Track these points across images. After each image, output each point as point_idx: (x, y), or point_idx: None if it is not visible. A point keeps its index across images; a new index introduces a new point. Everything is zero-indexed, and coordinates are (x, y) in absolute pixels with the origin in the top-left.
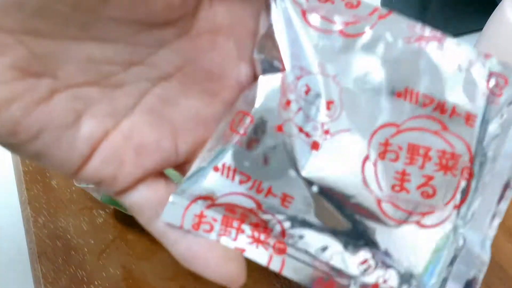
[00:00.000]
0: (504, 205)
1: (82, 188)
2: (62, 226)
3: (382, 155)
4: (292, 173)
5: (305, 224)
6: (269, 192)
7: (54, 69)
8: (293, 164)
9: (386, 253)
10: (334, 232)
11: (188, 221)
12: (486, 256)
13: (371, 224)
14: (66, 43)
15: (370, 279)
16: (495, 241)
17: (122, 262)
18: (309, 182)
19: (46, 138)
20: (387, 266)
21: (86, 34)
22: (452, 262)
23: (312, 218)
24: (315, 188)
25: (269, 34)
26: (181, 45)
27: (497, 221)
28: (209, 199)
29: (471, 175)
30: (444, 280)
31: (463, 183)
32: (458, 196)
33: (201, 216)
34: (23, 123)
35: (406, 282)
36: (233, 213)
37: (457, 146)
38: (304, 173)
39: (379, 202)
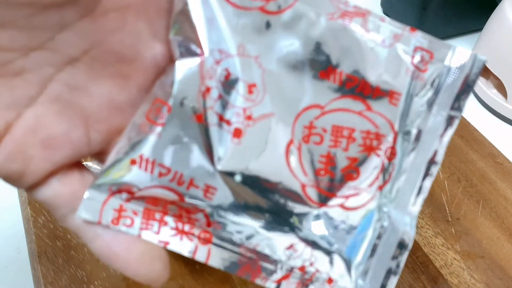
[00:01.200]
0: (428, 182)
1: None
2: (62, 226)
3: (306, 138)
4: (209, 166)
5: (230, 213)
6: (190, 184)
7: None
8: (210, 156)
9: (312, 237)
10: (259, 219)
11: (106, 216)
12: (410, 235)
13: (296, 209)
14: None
15: (296, 262)
16: (495, 241)
17: None
18: (229, 173)
19: None
20: (313, 248)
21: None
22: (377, 241)
23: (236, 207)
24: (238, 178)
25: (185, 12)
26: (85, 26)
27: (421, 198)
28: (128, 192)
29: (393, 154)
30: (369, 259)
31: (386, 163)
32: (381, 177)
33: (120, 210)
34: None
35: (332, 262)
36: (154, 205)
37: (381, 126)
38: (223, 164)
39: (303, 187)
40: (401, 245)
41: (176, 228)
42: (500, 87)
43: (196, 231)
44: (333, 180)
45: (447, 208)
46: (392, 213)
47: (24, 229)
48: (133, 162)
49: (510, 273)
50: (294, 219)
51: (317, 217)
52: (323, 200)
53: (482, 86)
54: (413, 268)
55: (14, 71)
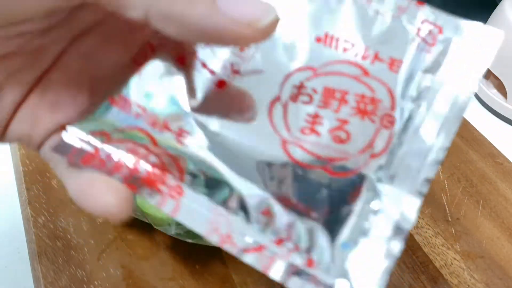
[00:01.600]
0: (434, 165)
1: None
2: (62, 226)
3: (294, 97)
4: (187, 108)
5: (203, 165)
6: (164, 127)
7: None
8: (187, 100)
9: (292, 201)
10: (234, 174)
11: (78, 155)
12: (409, 219)
13: (275, 166)
14: None
15: (272, 233)
16: (495, 241)
17: (122, 262)
18: (205, 120)
19: None
20: (292, 216)
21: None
22: (367, 220)
23: (210, 158)
24: (213, 126)
25: None
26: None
27: (426, 183)
28: (104, 135)
29: (391, 122)
30: (360, 235)
31: (384, 131)
32: (376, 145)
33: (94, 151)
34: None
35: (313, 235)
36: (128, 151)
37: (378, 91)
38: (199, 110)
39: (284, 143)
40: (397, 230)
41: (147, 177)
42: (500, 87)
43: (168, 182)
44: (319, 140)
45: (447, 208)
46: (389, 190)
47: (24, 229)
48: (112, 101)
49: (510, 273)
50: (271, 179)
51: (297, 178)
52: (305, 160)
53: (482, 86)
54: (413, 268)
55: (35, 48)
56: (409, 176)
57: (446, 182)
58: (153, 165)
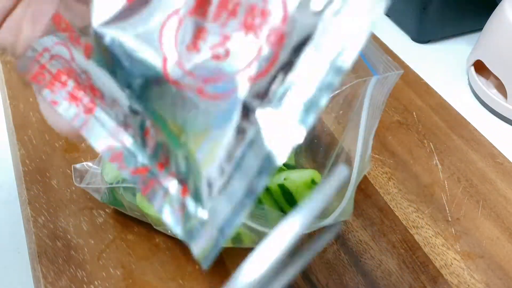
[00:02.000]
0: (326, 93)
1: (82, 188)
2: (62, 226)
3: (192, 10)
4: (95, 23)
5: (104, 79)
6: (77, 40)
7: None
8: (98, 14)
9: (168, 123)
10: (122, 94)
11: (31, 71)
12: (281, 153)
13: (153, 85)
14: None
15: (155, 157)
16: (495, 241)
17: (122, 262)
18: (102, 33)
19: None
20: (168, 151)
21: None
22: (237, 147)
23: (108, 72)
24: (107, 39)
25: None
26: None
27: (313, 114)
28: (47, 51)
29: (279, 40)
30: (227, 163)
31: (266, 50)
32: (255, 65)
33: (41, 67)
34: None
35: (188, 163)
36: (62, 69)
37: (270, 1)
38: (99, 23)
39: (164, 60)
40: (267, 160)
41: (71, 93)
42: (500, 87)
43: (85, 99)
44: (197, 57)
45: (447, 208)
46: (265, 119)
47: (24, 229)
48: (53, 18)
49: (510, 273)
50: (148, 97)
51: (173, 98)
52: (180, 78)
53: (482, 86)
54: (413, 268)
55: None
56: (294, 104)
57: (446, 182)
58: (77, 82)
